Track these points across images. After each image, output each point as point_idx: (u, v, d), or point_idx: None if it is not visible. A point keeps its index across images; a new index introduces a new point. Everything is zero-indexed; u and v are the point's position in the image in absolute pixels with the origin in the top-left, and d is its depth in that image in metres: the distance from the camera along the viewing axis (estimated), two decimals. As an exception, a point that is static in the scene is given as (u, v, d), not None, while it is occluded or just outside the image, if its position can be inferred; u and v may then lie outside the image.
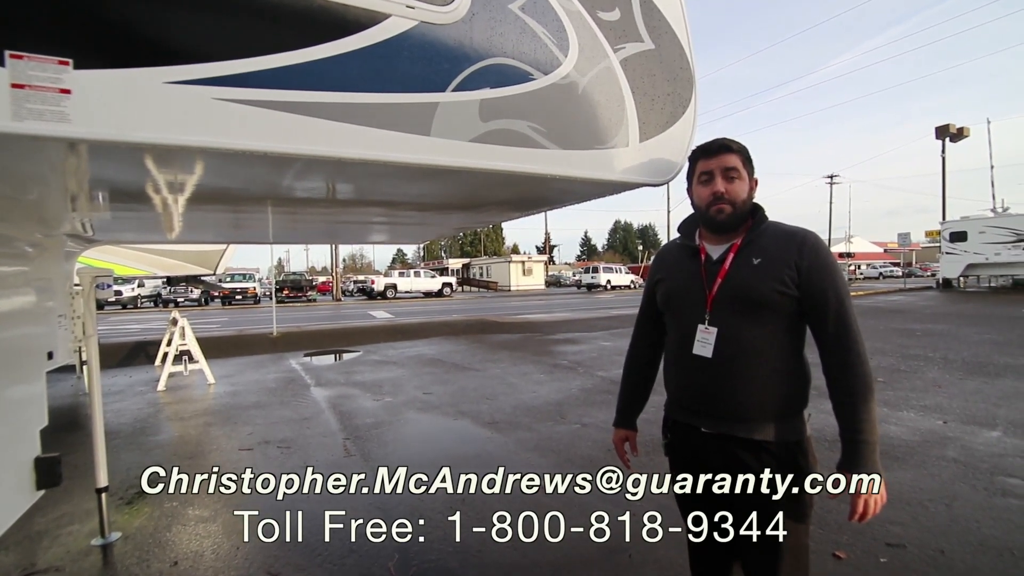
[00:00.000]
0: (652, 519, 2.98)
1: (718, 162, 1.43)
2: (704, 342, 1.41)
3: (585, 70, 1.60)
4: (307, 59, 1.20)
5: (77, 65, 0.99)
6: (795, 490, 1.38)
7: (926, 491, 3.26)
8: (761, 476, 1.38)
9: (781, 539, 1.37)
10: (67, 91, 0.98)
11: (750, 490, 1.40)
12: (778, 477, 1.37)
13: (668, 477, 1.64)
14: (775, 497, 1.37)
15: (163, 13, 1.07)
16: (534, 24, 1.50)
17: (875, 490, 1.31)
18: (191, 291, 26.55)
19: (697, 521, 1.57)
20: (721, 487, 1.46)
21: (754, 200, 1.48)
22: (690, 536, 1.61)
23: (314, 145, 1.24)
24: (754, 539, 1.40)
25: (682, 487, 1.59)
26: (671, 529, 2.78)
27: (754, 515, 1.40)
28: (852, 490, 1.33)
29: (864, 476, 1.31)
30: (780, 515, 1.37)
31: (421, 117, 1.35)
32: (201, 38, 1.11)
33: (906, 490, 3.27)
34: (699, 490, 1.53)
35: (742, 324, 1.38)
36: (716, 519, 1.51)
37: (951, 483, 3.37)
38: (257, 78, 1.15)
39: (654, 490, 3.33)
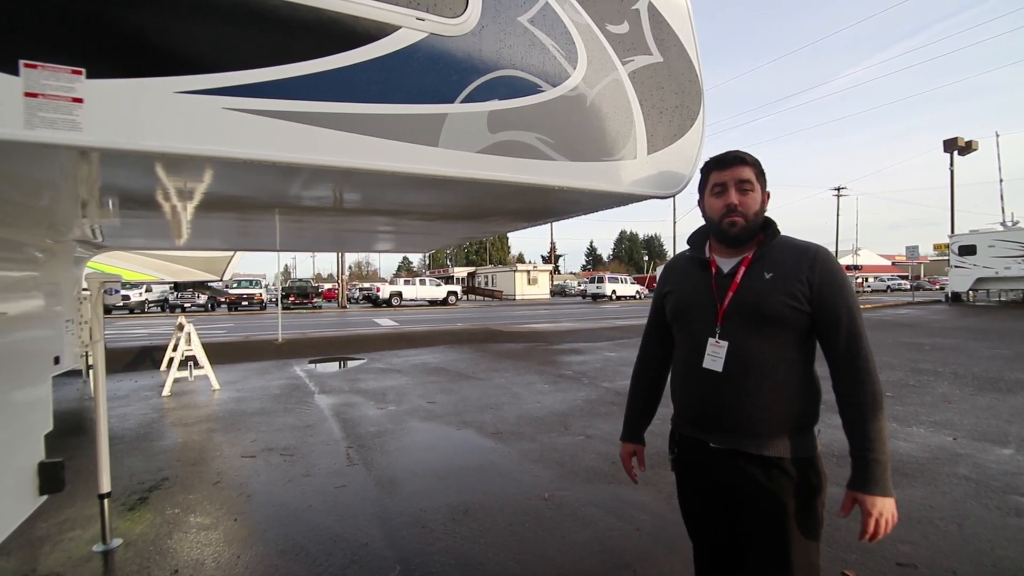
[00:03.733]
0: (656, 533, 2.94)
1: (732, 174, 1.42)
2: (715, 356, 1.40)
3: (593, 82, 1.60)
4: (317, 70, 1.21)
5: (89, 74, 1.00)
6: (804, 508, 1.36)
7: (937, 509, 3.20)
8: (771, 493, 1.35)
9: (790, 557, 1.34)
10: (79, 100, 0.99)
11: (759, 507, 1.37)
12: (788, 494, 1.35)
13: (675, 492, 1.62)
14: (785, 514, 1.35)
15: (175, 23, 1.08)
16: (543, 37, 1.50)
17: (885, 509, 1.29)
18: (198, 297, 26.70)
19: (704, 537, 1.55)
20: (729, 503, 1.44)
21: (766, 213, 1.47)
22: (696, 553, 1.58)
23: (323, 155, 1.24)
24: (763, 557, 1.38)
25: (688, 502, 1.57)
26: (676, 544, 2.75)
27: (763, 533, 1.38)
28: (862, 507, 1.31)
29: (878, 499, 1.29)
30: (789, 532, 1.34)
31: (429, 128, 1.35)
32: (212, 48, 1.12)
33: (916, 508, 3.21)
34: (706, 506, 1.51)
35: (753, 338, 1.37)
36: (723, 536, 1.49)
37: (963, 501, 3.30)
38: (267, 88, 1.15)
39: (659, 504, 3.29)
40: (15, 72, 0.95)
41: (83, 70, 0.99)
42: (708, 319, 1.43)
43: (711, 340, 1.41)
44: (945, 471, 3.81)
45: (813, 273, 1.35)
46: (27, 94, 0.95)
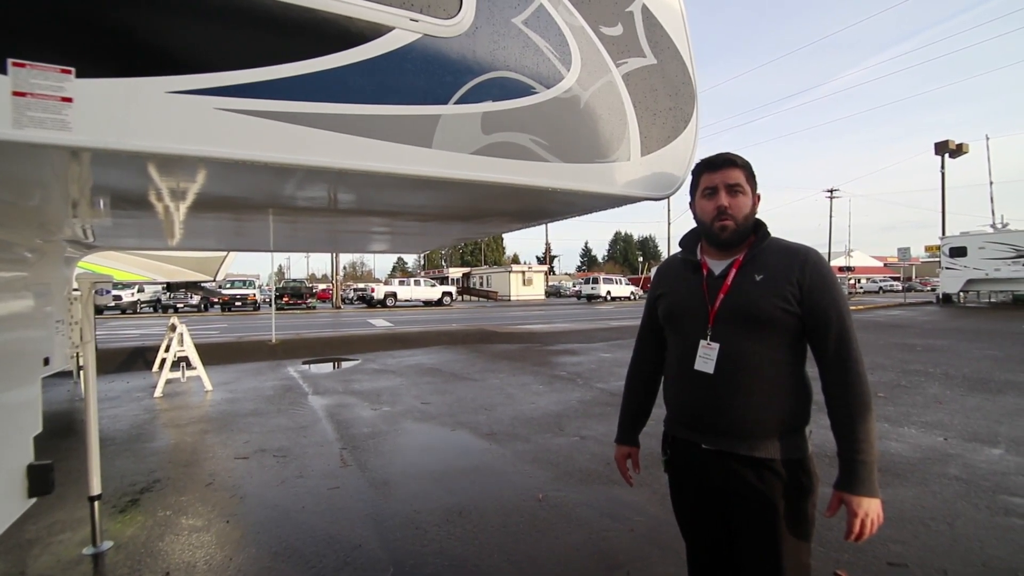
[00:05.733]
0: (650, 534, 2.94)
1: (722, 176, 1.43)
2: (706, 358, 1.40)
3: (587, 84, 1.60)
4: (310, 70, 1.20)
5: (79, 74, 0.99)
6: (795, 509, 1.36)
7: (928, 509, 3.23)
8: (762, 494, 1.36)
9: (781, 557, 1.35)
10: (69, 99, 0.98)
11: (751, 508, 1.38)
12: (779, 495, 1.36)
13: (668, 492, 1.62)
14: (776, 515, 1.35)
15: (166, 23, 1.07)
16: (537, 38, 1.50)
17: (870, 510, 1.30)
18: (191, 297, 26.51)
19: (696, 538, 1.55)
20: (721, 504, 1.45)
21: (756, 216, 1.48)
22: (689, 553, 1.58)
23: (316, 156, 1.24)
24: (754, 557, 1.39)
25: (681, 503, 1.58)
26: (669, 545, 2.76)
27: (755, 533, 1.38)
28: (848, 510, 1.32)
29: (864, 499, 1.30)
30: (780, 533, 1.35)
31: (423, 129, 1.35)
32: (204, 48, 1.11)
33: (907, 508, 3.23)
34: (699, 507, 1.51)
35: (744, 340, 1.38)
36: (716, 537, 1.49)
37: (953, 501, 3.33)
38: (260, 89, 1.15)
39: (653, 505, 3.30)
40: (3, 71, 0.94)
41: (73, 69, 0.98)
42: (699, 321, 1.44)
43: (702, 342, 1.42)
44: (936, 471, 3.84)
45: (803, 275, 1.36)
46: (15, 93, 0.94)
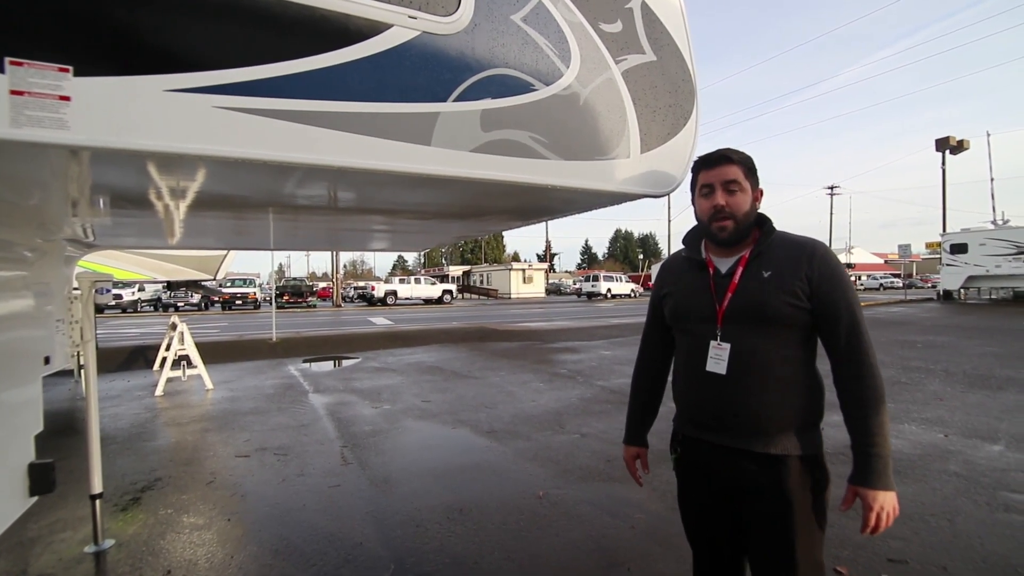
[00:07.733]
0: (651, 531, 2.95)
1: (718, 174, 1.40)
2: (717, 358, 1.38)
3: (587, 81, 1.60)
4: (309, 68, 1.20)
5: (77, 72, 0.99)
6: (810, 505, 1.34)
7: (928, 506, 3.23)
8: (777, 490, 1.34)
9: (796, 554, 1.32)
10: (67, 98, 0.98)
11: (766, 504, 1.36)
12: (797, 491, 1.33)
13: (669, 489, 1.61)
14: (792, 511, 1.33)
15: (164, 21, 1.07)
16: (536, 35, 1.50)
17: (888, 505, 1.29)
18: (191, 296, 26.52)
19: (703, 538, 1.53)
20: (733, 502, 1.43)
21: (759, 211, 1.46)
22: (695, 554, 1.57)
23: (315, 154, 1.24)
24: (768, 555, 1.37)
25: (689, 503, 1.56)
26: (670, 542, 2.76)
27: (770, 530, 1.36)
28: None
29: (880, 493, 1.29)
30: (796, 529, 1.33)
31: (422, 127, 1.35)
32: (202, 46, 1.11)
33: (907, 504, 3.23)
34: (709, 505, 1.49)
35: (755, 339, 1.36)
36: (723, 536, 1.48)
37: (953, 498, 3.33)
38: (258, 87, 1.15)
39: (654, 502, 3.30)
40: (1, 70, 0.94)
41: (71, 68, 0.98)
42: (708, 321, 1.41)
43: (713, 343, 1.39)
44: (936, 468, 3.84)
45: (812, 269, 1.34)
46: (13, 92, 0.94)
